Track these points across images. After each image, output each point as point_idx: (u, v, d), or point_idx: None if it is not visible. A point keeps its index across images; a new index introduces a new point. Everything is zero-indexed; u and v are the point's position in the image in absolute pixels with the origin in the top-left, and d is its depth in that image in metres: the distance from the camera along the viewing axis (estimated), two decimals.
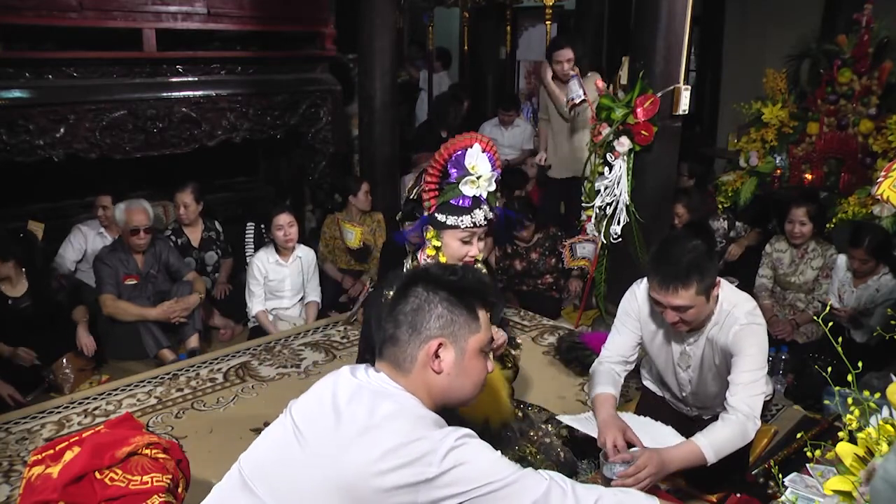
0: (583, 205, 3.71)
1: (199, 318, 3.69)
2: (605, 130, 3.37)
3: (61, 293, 3.51)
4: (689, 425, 2.29)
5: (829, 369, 1.35)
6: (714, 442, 1.88)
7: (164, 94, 3.99)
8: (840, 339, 1.29)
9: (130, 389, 3.15)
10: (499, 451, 1.29)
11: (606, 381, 2.17)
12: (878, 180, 1.86)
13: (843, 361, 1.26)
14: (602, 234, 3.54)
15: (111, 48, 3.81)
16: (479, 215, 2.08)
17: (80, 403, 3.02)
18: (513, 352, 2.31)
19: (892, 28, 3.91)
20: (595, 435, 2.07)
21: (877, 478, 1.02)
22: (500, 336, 2.09)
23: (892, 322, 1.59)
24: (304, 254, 3.94)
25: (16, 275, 3.31)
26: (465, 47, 7.58)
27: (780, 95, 4.23)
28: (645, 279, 2.11)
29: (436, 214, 2.10)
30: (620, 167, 3.37)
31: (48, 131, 3.60)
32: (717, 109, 6.63)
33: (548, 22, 6.17)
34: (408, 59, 7.44)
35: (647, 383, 2.52)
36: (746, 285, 3.57)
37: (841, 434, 1.25)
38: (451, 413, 1.61)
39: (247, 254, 4.31)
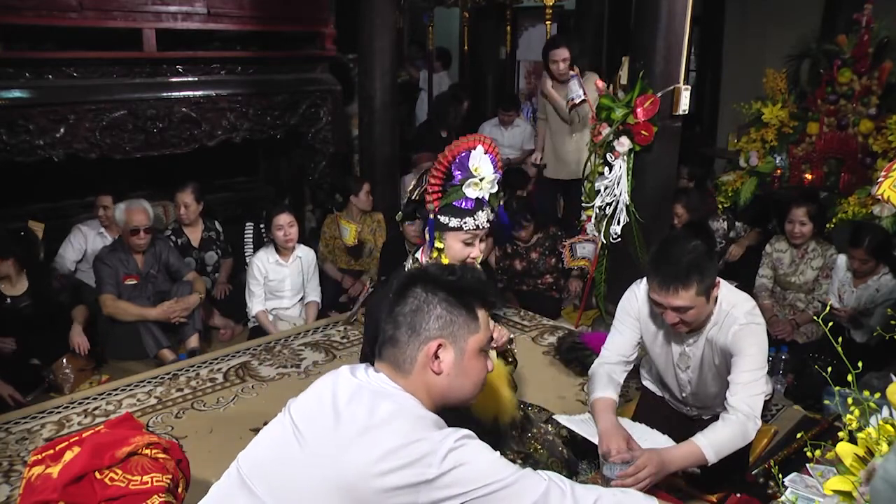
0: (583, 205, 3.71)
1: (199, 318, 3.69)
2: (605, 130, 3.37)
3: (62, 293, 3.51)
4: (689, 425, 2.30)
5: (829, 369, 1.35)
6: (714, 442, 1.87)
7: (164, 94, 3.99)
8: (840, 339, 1.29)
9: (130, 389, 3.16)
10: (498, 452, 1.28)
11: (606, 384, 2.16)
12: (878, 180, 1.85)
13: (843, 361, 1.26)
14: (602, 234, 3.54)
15: (111, 48, 3.81)
16: (482, 217, 2.10)
17: (80, 403, 3.03)
18: (509, 346, 2.32)
19: (892, 28, 3.91)
20: (591, 437, 2.07)
21: (877, 478, 1.02)
22: (503, 333, 2.10)
23: (892, 322, 1.59)
24: (304, 254, 3.94)
25: (16, 274, 3.31)
26: (465, 47, 7.58)
27: (780, 95, 4.23)
28: (645, 279, 2.11)
29: (438, 216, 2.11)
30: (620, 167, 3.37)
31: (48, 131, 3.60)
32: (717, 109, 6.63)
33: (548, 22, 6.16)
34: (408, 59, 7.44)
35: (647, 383, 2.52)
36: (746, 285, 3.56)
37: (841, 434, 1.25)
38: (462, 413, 1.61)
39: (246, 254, 4.31)
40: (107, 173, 4.10)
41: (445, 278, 1.38)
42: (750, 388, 1.94)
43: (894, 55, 3.91)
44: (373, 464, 1.18)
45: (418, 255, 2.23)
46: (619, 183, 3.39)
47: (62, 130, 3.65)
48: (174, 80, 4.05)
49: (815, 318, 3.14)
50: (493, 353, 2.09)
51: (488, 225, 2.12)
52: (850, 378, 1.25)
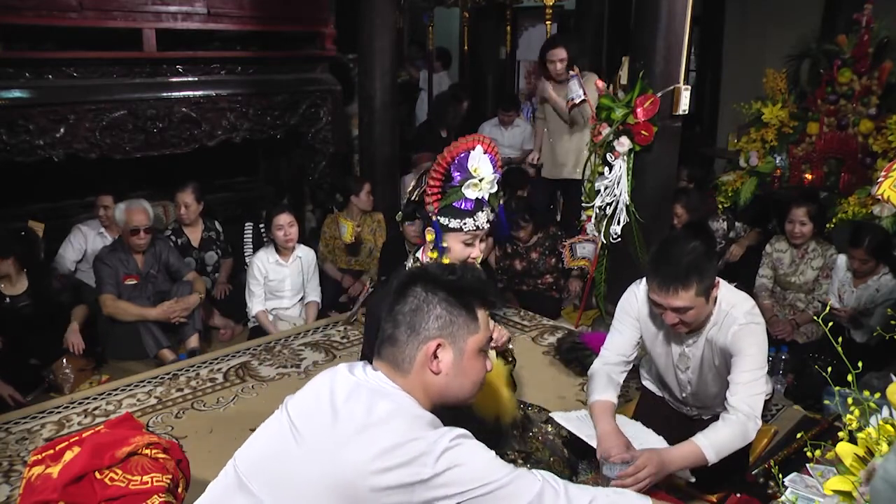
0: (583, 205, 3.71)
1: (199, 318, 3.69)
2: (605, 130, 3.37)
3: (62, 293, 3.51)
4: (689, 425, 2.30)
5: (829, 369, 1.35)
6: (715, 442, 1.87)
7: (164, 94, 3.99)
8: (840, 339, 1.29)
9: (130, 389, 3.15)
10: (494, 452, 1.28)
11: (606, 385, 2.16)
12: (878, 180, 1.86)
13: (843, 361, 1.26)
14: (602, 234, 3.54)
15: (111, 48, 3.80)
16: (482, 218, 2.10)
17: (80, 403, 3.02)
18: (508, 345, 2.32)
19: (892, 28, 3.91)
20: (586, 437, 2.07)
21: (877, 478, 1.02)
22: (504, 334, 2.10)
23: (892, 322, 1.59)
24: (304, 254, 3.94)
25: (15, 273, 3.31)
26: (465, 47, 7.58)
27: (780, 95, 4.23)
28: (644, 279, 2.11)
29: (438, 217, 2.11)
30: (620, 167, 3.37)
31: (48, 131, 3.60)
32: (717, 109, 6.63)
33: (548, 22, 6.16)
34: (408, 59, 7.44)
35: (647, 383, 2.52)
36: (747, 285, 3.56)
37: (841, 434, 1.25)
38: (463, 413, 1.61)
39: (245, 254, 4.31)
40: (107, 173, 4.10)
41: (446, 278, 1.38)
42: (750, 387, 1.94)
43: (894, 55, 3.91)
44: (369, 462, 1.18)
45: (419, 254, 2.23)
46: (619, 183, 3.39)
47: (62, 130, 3.65)
48: (174, 80, 4.05)
49: (815, 318, 3.14)
50: (492, 353, 2.10)
51: (488, 225, 2.12)
52: (850, 378, 1.25)
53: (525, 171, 5.11)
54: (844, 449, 1.19)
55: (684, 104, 3.25)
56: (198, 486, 2.05)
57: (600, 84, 3.48)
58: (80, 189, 4.21)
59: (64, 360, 3.28)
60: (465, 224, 2.08)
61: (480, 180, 2.07)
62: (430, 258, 2.15)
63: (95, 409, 2.99)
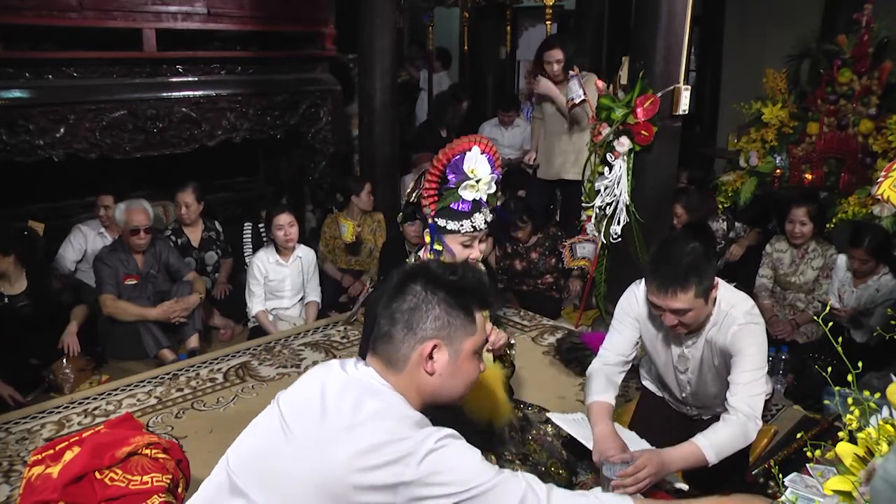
0: (583, 205, 3.71)
1: (199, 318, 3.69)
2: (605, 130, 3.37)
3: (62, 293, 3.50)
4: (689, 425, 2.29)
5: (829, 369, 1.35)
6: (715, 443, 1.87)
7: (164, 94, 3.99)
8: (840, 339, 1.28)
9: (130, 389, 3.16)
10: (479, 453, 1.27)
11: (605, 387, 2.15)
12: (878, 180, 1.85)
13: (843, 361, 1.26)
14: (602, 234, 3.54)
15: (111, 48, 3.81)
16: (480, 219, 2.08)
17: (80, 403, 3.03)
18: (509, 351, 2.31)
19: (892, 28, 3.91)
20: (582, 438, 2.07)
21: (877, 478, 1.02)
22: (501, 337, 2.08)
23: (892, 322, 1.59)
24: (305, 254, 3.94)
25: (15, 272, 3.30)
26: (465, 47, 7.58)
27: (780, 95, 4.23)
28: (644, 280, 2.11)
29: (436, 219, 2.10)
30: (620, 167, 3.37)
31: (48, 131, 3.61)
32: (717, 109, 6.63)
33: (548, 22, 6.16)
34: (408, 59, 7.44)
35: (647, 383, 2.52)
36: (747, 285, 3.56)
37: (841, 434, 1.25)
38: (456, 414, 1.60)
39: (245, 254, 4.32)
40: (107, 173, 4.10)
41: (447, 278, 1.37)
42: (750, 388, 1.93)
43: (894, 55, 3.91)
44: (353, 459, 1.18)
45: (419, 254, 2.23)
46: (619, 183, 3.39)
47: (62, 130, 3.65)
48: (174, 80, 4.05)
49: (815, 318, 3.14)
50: (488, 356, 2.09)
51: (486, 226, 2.11)
52: (850, 378, 1.25)
53: (525, 171, 5.12)
54: (844, 449, 1.19)
55: (684, 104, 3.25)
56: (198, 486, 2.05)
57: (600, 84, 3.48)
58: (80, 189, 4.21)
59: (64, 360, 3.28)
60: (462, 226, 2.07)
61: (478, 181, 2.05)
62: (431, 258, 2.14)
63: (95, 409, 2.99)
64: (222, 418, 2.92)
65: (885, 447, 1.14)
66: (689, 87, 3.28)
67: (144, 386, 3.19)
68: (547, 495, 1.27)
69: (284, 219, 3.76)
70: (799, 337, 3.55)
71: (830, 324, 1.37)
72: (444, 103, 6.18)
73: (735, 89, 5.96)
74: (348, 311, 4.00)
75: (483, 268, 2.33)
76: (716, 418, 2.00)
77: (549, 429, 2.29)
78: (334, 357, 3.51)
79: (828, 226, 3.77)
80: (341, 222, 4.25)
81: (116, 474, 2.02)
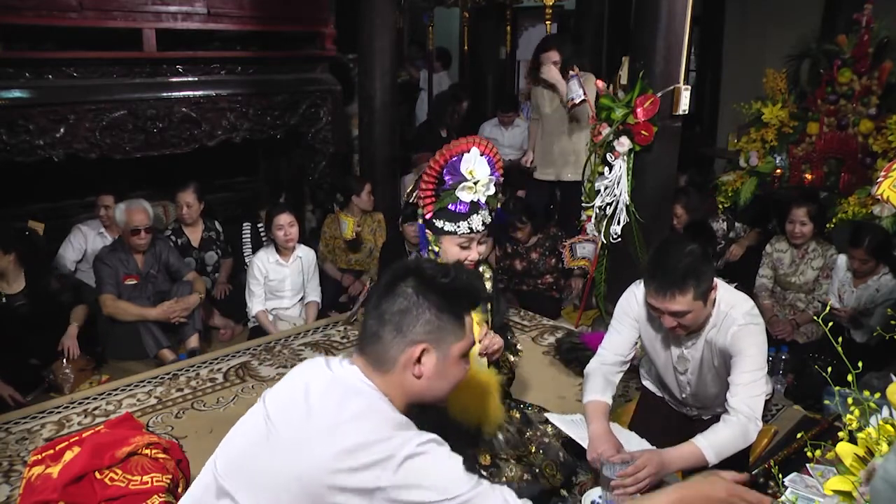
0: (583, 205, 3.71)
1: (199, 318, 3.69)
2: (605, 130, 3.37)
3: (62, 293, 3.50)
4: (689, 426, 2.29)
5: (829, 369, 1.35)
6: (715, 443, 1.87)
7: (164, 94, 3.99)
8: (840, 339, 1.28)
9: (130, 389, 3.15)
10: (461, 461, 1.24)
11: (603, 386, 2.16)
12: (878, 180, 1.86)
13: (843, 361, 1.26)
14: (602, 234, 3.54)
15: (111, 48, 3.80)
16: (477, 221, 2.07)
17: (80, 403, 3.02)
18: (511, 357, 2.29)
19: (892, 28, 3.91)
20: (579, 438, 2.07)
21: (877, 478, 1.02)
22: (494, 342, 2.07)
23: (892, 322, 1.59)
24: (305, 254, 3.94)
25: (13, 271, 3.29)
26: (465, 47, 7.58)
27: (780, 95, 4.23)
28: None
29: (434, 220, 2.09)
30: (620, 167, 3.37)
31: (48, 131, 3.60)
32: (717, 109, 6.63)
33: (548, 22, 6.16)
34: (408, 59, 7.44)
35: (647, 384, 2.52)
36: (747, 285, 3.56)
37: (841, 434, 1.25)
38: (444, 417, 1.59)
39: (245, 254, 4.32)
40: (107, 173, 4.10)
41: (439, 280, 1.34)
42: (750, 388, 1.93)
43: (894, 55, 3.91)
44: (332, 460, 1.17)
45: (420, 255, 2.22)
46: (619, 183, 3.39)
47: (62, 130, 3.65)
48: (174, 80, 4.05)
49: (815, 318, 3.14)
50: (483, 361, 2.08)
51: (484, 228, 2.09)
52: (850, 378, 1.25)
53: (525, 171, 5.11)
54: (844, 449, 1.19)
55: (684, 104, 3.25)
56: None
57: (600, 84, 3.48)
58: (80, 189, 4.21)
59: (64, 361, 3.28)
60: (458, 227, 2.05)
61: (476, 183, 2.05)
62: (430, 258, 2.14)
63: (95, 409, 2.99)
64: (222, 418, 2.92)
65: (885, 447, 1.14)
66: (689, 87, 3.27)
67: (144, 386, 3.19)
68: None
69: (284, 219, 3.76)
70: (799, 337, 3.55)
71: (830, 324, 1.37)
72: (444, 103, 6.18)
73: (735, 89, 5.96)
74: (348, 311, 4.00)
75: (487, 268, 2.33)
76: (716, 419, 2.00)
77: (549, 429, 2.28)
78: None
79: (828, 226, 3.77)
80: (342, 219, 4.25)
81: (116, 474, 2.02)
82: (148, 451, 2.13)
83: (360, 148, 4.90)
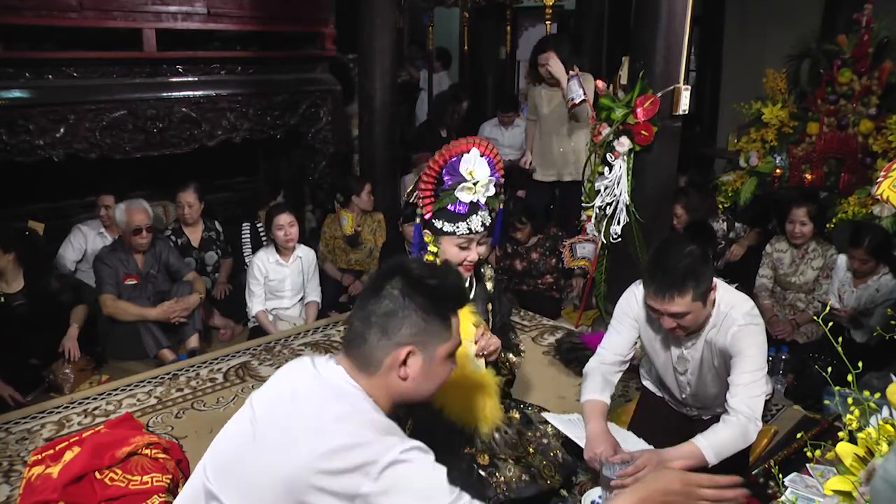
0: (583, 205, 3.71)
1: (199, 318, 3.69)
2: (605, 130, 3.37)
3: (62, 293, 3.50)
4: (689, 426, 2.29)
5: (829, 369, 1.35)
6: (714, 443, 1.87)
7: (164, 94, 3.99)
8: (840, 339, 1.29)
9: (130, 389, 3.15)
10: (444, 471, 1.22)
11: (602, 386, 2.15)
12: (878, 180, 1.86)
13: (843, 361, 1.26)
14: (602, 234, 3.54)
15: (111, 48, 3.80)
16: (476, 221, 2.06)
17: (80, 403, 3.02)
18: (513, 358, 2.29)
19: (892, 28, 3.91)
20: (576, 438, 2.07)
21: (877, 478, 1.02)
22: (491, 343, 2.06)
23: (892, 322, 1.59)
24: (305, 254, 3.94)
25: (12, 270, 3.29)
26: (465, 47, 7.58)
27: (780, 95, 4.23)
28: None
29: (433, 220, 2.09)
30: (620, 167, 3.37)
31: (48, 131, 3.60)
32: (717, 109, 6.63)
33: (548, 22, 6.16)
34: (408, 59, 7.44)
35: (647, 384, 2.52)
36: (747, 286, 3.56)
37: (841, 434, 1.26)
38: (441, 419, 1.58)
39: (244, 254, 4.32)
40: (107, 173, 4.10)
41: (426, 282, 1.33)
42: (750, 389, 1.93)
43: (894, 55, 3.91)
44: (317, 460, 1.17)
45: (420, 255, 2.22)
46: (619, 183, 3.39)
47: (62, 130, 3.65)
48: (174, 80, 4.05)
49: (815, 318, 3.14)
50: (480, 362, 2.08)
51: (483, 229, 2.08)
52: (850, 378, 1.25)
53: (525, 171, 5.11)
54: (844, 449, 1.20)
55: (684, 104, 3.25)
56: None
57: (600, 84, 3.48)
58: (80, 189, 4.21)
59: (63, 360, 3.28)
60: (457, 227, 2.05)
61: (475, 183, 2.04)
62: (429, 259, 2.14)
63: (95, 409, 2.99)
64: (222, 418, 2.89)
65: (885, 447, 1.14)
66: (689, 87, 3.27)
67: (144, 386, 3.19)
68: None
69: (285, 219, 3.76)
70: (799, 337, 3.55)
71: (830, 324, 1.37)
72: (444, 103, 6.18)
73: (735, 89, 5.96)
74: (348, 311, 4.00)
75: (488, 268, 2.32)
76: (716, 419, 2.00)
77: (549, 429, 2.28)
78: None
79: (828, 226, 3.77)
80: (342, 215, 4.25)
81: (116, 474, 2.02)
82: (148, 451, 2.14)
83: (360, 148, 4.90)
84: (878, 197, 1.84)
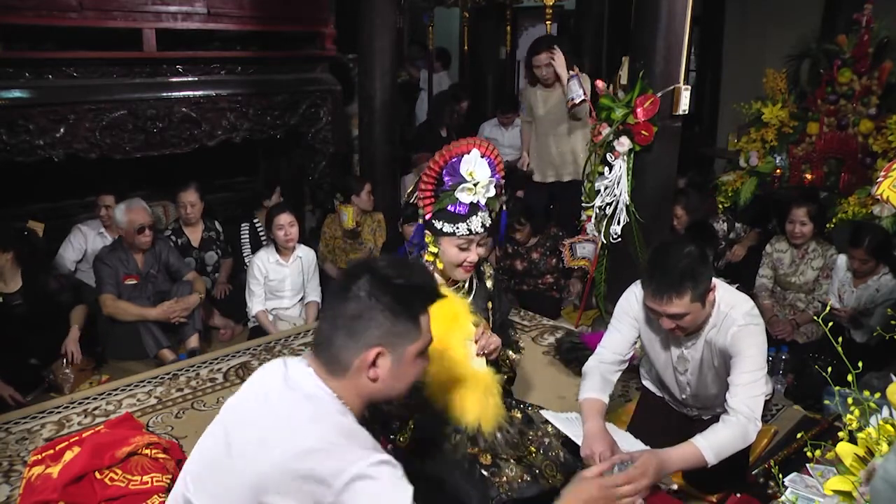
0: (583, 205, 3.71)
1: (199, 318, 3.69)
2: (605, 130, 3.37)
3: (62, 293, 3.50)
4: (689, 426, 2.29)
5: (829, 369, 1.35)
6: (714, 444, 1.87)
7: (164, 94, 3.99)
8: (840, 339, 1.29)
9: (130, 389, 3.15)
10: (412, 490, 1.20)
11: (600, 385, 2.15)
12: (878, 180, 1.86)
13: (843, 361, 1.26)
14: (602, 234, 3.54)
15: (111, 48, 3.80)
16: (476, 222, 2.06)
17: (80, 403, 3.02)
18: (513, 355, 2.28)
19: (892, 28, 3.91)
20: (574, 436, 2.06)
21: (877, 478, 1.02)
22: (491, 342, 2.06)
23: (892, 322, 1.59)
24: (305, 254, 3.94)
25: (10, 270, 3.29)
26: (465, 47, 7.58)
27: (780, 95, 4.23)
28: None
29: (433, 221, 2.09)
30: (620, 167, 3.37)
31: (48, 131, 3.60)
32: (717, 109, 6.63)
33: (548, 22, 6.15)
34: (408, 59, 7.44)
35: (647, 383, 2.52)
36: (748, 286, 3.56)
37: (841, 434, 1.26)
38: (443, 419, 1.56)
39: (244, 254, 4.32)
40: (107, 173, 4.10)
41: (393, 282, 1.30)
42: (750, 389, 1.93)
43: (894, 55, 3.92)
44: (289, 461, 1.17)
45: (421, 256, 2.22)
46: (619, 183, 3.39)
47: (62, 130, 3.65)
48: (174, 80, 4.05)
49: (815, 318, 3.14)
50: (481, 360, 2.07)
51: (483, 230, 2.08)
52: (850, 378, 1.25)
53: (525, 173, 5.10)
54: (844, 449, 1.20)
55: (684, 104, 3.25)
56: None
57: (600, 84, 3.48)
58: (80, 189, 4.21)
59: (64, 361, 3.28)
60: (457, 228, 2.05)
61: (475, 184, 2.04)
62: (429, 259, 2.14)
63: (95, 409, 2.99)
64: None
65: (885, 447, 1.14)
66: (689, 87, 3.27)
67: (144, 386, 3.19)
68: None
69: (285, 219, 3.76)
70: (799, 337, 3.54)
71: (830, 324, 1.37)
72: (444, 103, 6.18)
73: (735, 89, 5.96)
74: None
75: (488, 268, 2.32)
76: (716, 419, 2.00)
77: (551, 429, 2.28)
78: None
79: (828, 226, 3.77)
80: (342, 210, 4.25)
81: (116, 474, 2.02)
82: (148, 451, 2.14)
83: (360, 148, 4.89)
84: (878, 197, 1.85)
